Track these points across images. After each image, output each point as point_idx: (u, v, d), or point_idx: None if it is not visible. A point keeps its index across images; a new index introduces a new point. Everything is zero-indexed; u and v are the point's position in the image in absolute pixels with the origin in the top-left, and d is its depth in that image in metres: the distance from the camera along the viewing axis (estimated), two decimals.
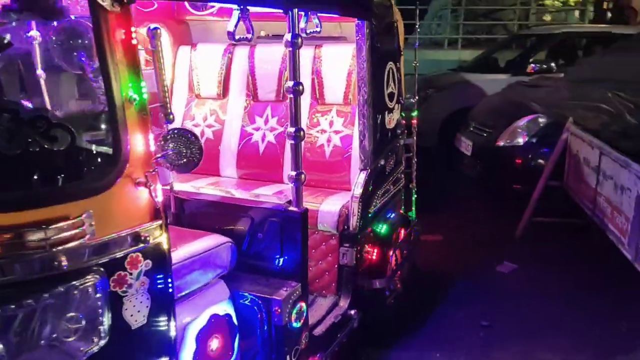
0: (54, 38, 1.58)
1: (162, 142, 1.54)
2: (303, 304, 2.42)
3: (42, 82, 1.70)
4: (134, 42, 1.47)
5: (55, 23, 1.58)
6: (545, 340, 3.33)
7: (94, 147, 1.50)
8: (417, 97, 3.81)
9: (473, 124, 5.96)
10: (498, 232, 5.01)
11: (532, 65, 7.32)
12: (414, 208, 3.80)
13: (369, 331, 3.08)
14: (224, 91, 3.47)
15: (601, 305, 3.69)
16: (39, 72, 1.71)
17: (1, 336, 1.34)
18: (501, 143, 5.42)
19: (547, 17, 13.88)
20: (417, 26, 3.91)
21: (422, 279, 3.92)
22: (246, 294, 2.35)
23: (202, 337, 2.11)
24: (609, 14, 13.09)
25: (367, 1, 2.77)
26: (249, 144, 3.39)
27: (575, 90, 5.41)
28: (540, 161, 5.13)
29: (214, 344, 2.17)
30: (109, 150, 1.48)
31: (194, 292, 2.13)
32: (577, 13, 13.61)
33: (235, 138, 3.42)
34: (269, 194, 2.89)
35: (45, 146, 1.38)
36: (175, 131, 1.54)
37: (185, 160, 1.54)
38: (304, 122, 3.27)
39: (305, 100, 3.30)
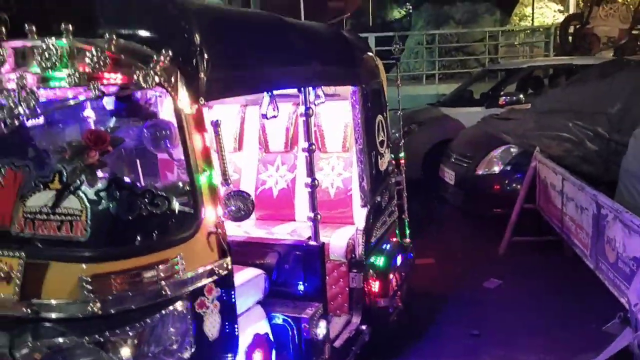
0: (146, 131, 2.16)
1: (226, 201, 2.10)
2: (325, 321, 2.97)
3: (142, 163, 2.29)
4: (205, 132, 2.06)
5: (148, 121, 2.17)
6: (525, 343, 3.89)
7: (181, 209, 2.05)
8: (402, 131, 4.41)
9: (454, 155, 6.61)
10: (483, 252, 5.61)
11: (504, 97, 8.04)
12: (407, 235, 4.38)
13: (377, 344, 3.62)
14: (239, 145, 4.05)
15: (574, 310, 4.28)
16: (141, 156, 2.30)
17: (127, 349, 1.88)
18: (480, 172, 6.08)
19: (516, 41, 14.80)
20: (398, 65, 4.52)
21: (418, 298, 4.47)
22: (279, 315, 2.89)
23: (249, 352, 2.64)
24: (572, 41, 14.01)
25: (358, 72, 3.40)
26: (264, 189, 3.96)
27: (540, 121, 6.09)
28: (515, 186, 5.77)
29: (257, 357, 2.70)
30: (191, 211, 2.05)
31: (240, 315, 2.67)
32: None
33: (252, 185, 3.99)
34: (286, 232, 3.46)
35: (152, 211, 1.95)
36: (233, 192, 2.11)
37: (243, 213, 2.11)
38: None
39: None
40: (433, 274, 5.15)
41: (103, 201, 1.94)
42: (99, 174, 1.95)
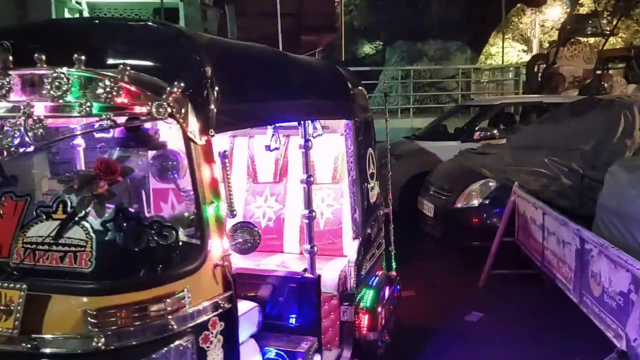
0: (153, 162, 2.14)
1: (233, 233, 2.09)
2: (319, 355, 2.94)
3: (149, 194, 2.25)
4: (214, 164, 2.05)
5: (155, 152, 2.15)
6: None
7: (188, 241, 2.02)
8: (389, 164, 4.47)
9: (433, 188, 6.70)
10: (463, 284, 5.66)
11: (478, 132, 8.24)
12: (394, 267, 4.39)
13: None
14: None
15: (556, 343, 4.33)
16: (148, 187, 2.27)
17: None
18: (459, 205, 6.17)
19: (486, 79, 15.24)
20: (386, 100, 4.61)
21: (403, 330, 4.47)
22: (272, 349, 2.85)
23: None
24: (539, 80, 14.52)
25: (352, 106, 3.46)
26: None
27: (517, 156, 6.26)
28: (494, 220, 5.88)
29: None
30: (198, 242, 2.02)
31: None
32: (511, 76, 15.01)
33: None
34: (274, 264, 3.43)
35: (160, 242, 1.92)
36: (240, 224, 2.10)
37: (249, 245, 2.10)
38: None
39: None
40: (415, 306, 5.15)
41: (109, 232, 1.90)
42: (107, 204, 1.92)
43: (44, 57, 1.89)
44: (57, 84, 1.85)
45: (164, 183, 2.24)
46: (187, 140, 2.00)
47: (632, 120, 5.88)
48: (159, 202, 2.34)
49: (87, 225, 1.90)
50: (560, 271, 4.23)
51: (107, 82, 1.84)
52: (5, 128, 1.93)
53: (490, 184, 6.05)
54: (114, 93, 1.84)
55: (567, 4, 20.42)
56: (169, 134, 2.17)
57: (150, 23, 2.13)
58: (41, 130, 1.86)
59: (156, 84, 1.93)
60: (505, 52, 24.54)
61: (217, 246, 2.06)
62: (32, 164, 2.24)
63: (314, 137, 3.02)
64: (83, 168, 1.92)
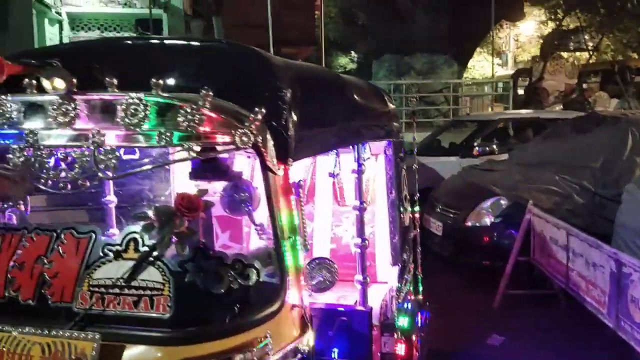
0: (225, 193, 1.97)
1: (311, 271, 1.93)
2: None
3: (224, 229, 2.08)
4: (292, 195, 1.90)
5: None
6: None
7: (269, 281, 1.85)
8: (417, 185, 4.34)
9: (439, 205, 6.62)
10: (476, 305, 5.56)
11: (478, 148, 8.22)
12: (420, 292, 4.26)
13: None
14: None
15: None
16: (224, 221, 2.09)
17: None
18: (469, 223, 6.09)
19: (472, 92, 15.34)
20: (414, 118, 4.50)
21: (428, 355, 4.33)
22: None
23: None
24: (523, 94, 14.70)
25: (392, 126, 3.34)
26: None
27: (526, 173, 6.23)
28: (506, 239, 5.81)
29: None
30: (277, 282, 1.86)
31: None
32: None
33: None
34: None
35: (242, 284, 1.75)
36: (317, 261, 1.94)
37: (328, 283, 1.94)
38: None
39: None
40: (431, 329, 5.02)
41: (189, 273, 1.72)
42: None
43: (115, 81, 1.72)
44: (132, 110, 1.68)
45: (237, 216, 2.07)
46: (265, 170, 1.84)
47: None
48: (232, 237, 2.17)
49: (163, 266, 1.72)
50: (590, 294, 4.16)
51: (189, 109, 1.68)
52: (70, 158, 1.74)
53: (502, 201, 5.99)
54: (196, 121, 1.67)
55: (541, 19, 20.85)
56: (241, 163, 2.00)
57: (222, 43, 1.97)
58: (113, 161, 1.68)
59: (236, 110, 1.77)
60: (481, 65, 24.93)
61: (296, 285, 1.90)
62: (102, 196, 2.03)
63: (364, 160, 2.88)
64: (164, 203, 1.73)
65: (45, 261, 1.82)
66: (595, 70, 15.04)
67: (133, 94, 1.69)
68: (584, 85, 13.76)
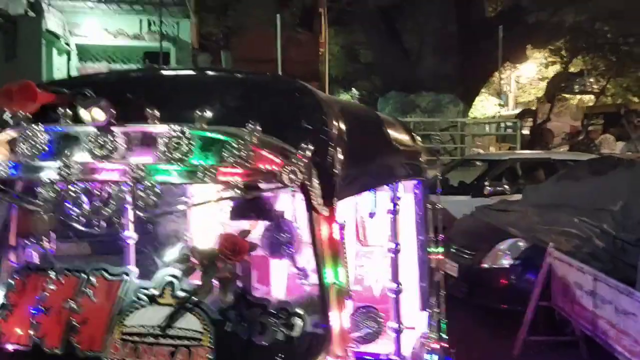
0: (266, 235, 1.85)
1: (358, 321, 1.79)
2: None
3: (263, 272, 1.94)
4: (336, 236, 1.77)
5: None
6: None
7: (312, 331, 1.70)
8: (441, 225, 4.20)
9: (454, 246, 6.46)
10: (496, 351, 5.35)
11: (488, 188, 8.12)
12: (445, 337, 4.07)
13: None
14: None
15: None
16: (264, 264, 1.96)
17: None
18: (486, 265, 5.93)
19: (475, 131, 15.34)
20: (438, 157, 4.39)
21: None
22: None
23: None
24: (529, 135, 14.70)
25: (421, 163, 3.23)
26: None
27: (544, 215, 6.11)
28: (524, 282, 5.64)
29: None
30: (321, 332, 1.71)
31: None
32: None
33: None
34: None
35: (288, 334, 1.61)
36: (363, 309, 1.80)
37: (374, 334, 1.80)
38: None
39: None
40: None
41: (230, 322, 1.58)
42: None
43: (157, 113, 1.61)
44: (174, 144, 1.56)
45: (276, 258, 1.93)
46: (311, 210, 1.72)
47: None
48: (259, 279, 2.02)
49: (203, 313, 1.58)
50: (621, 343, 3.99)
51: (235, 144, 1.56)
52: (105, 194, 1.62)
53: (520, 243, 5.84)
54: (243, 157, 1.56)
55: (542, 62, 21.09)
56: (277, 202, 1.88)
57: (267, 75, 1.87)
58: (153, 197, 1.56)
59: (282, 146, 1.66)
60: (482, 105, 25.13)
61: (342, 336, 1.75)
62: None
63: (398, 199, 2.76)
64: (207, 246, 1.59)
65: (74, 305, 1.67)
66: (600, 112, 15.09)
67: (176, 127, 1.58)
68: (591, 128, 13.77)
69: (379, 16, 14.38)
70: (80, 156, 1.65)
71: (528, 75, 27.55)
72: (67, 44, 14.05)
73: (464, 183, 9.15)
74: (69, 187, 1.63)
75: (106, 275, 1.69)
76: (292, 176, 1.60)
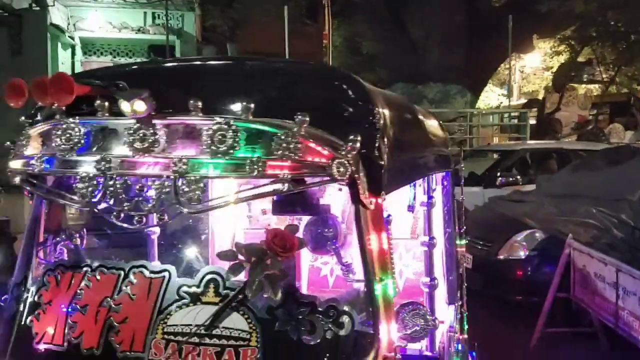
0: (307, 229, 1.78)
1: (405, 318, 1.73)
2: None
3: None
4: (384, 232, 1.71)
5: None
6: None
7: (360, 329, 1.65)
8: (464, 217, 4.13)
9: (468, 237, 6.39)
10: (513, 342, 5.30)
11: (500, 178, 8.06)
12: (465, 331, 4.02)
13: None
14: None
15: None
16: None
17: None
18: (502, 256, 5.87)
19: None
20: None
21: None
22: None
23: None
24: (536, 125, 14.58)
25: (449, 154, 3.17)
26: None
27: (561, 206, 6.03)
28: (542, 273, 5.59)
29: None
30: (369, 330, 1.65)
31: None
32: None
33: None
34: None
35: (337, 333, 1.55)
36: (410, 306, 1.74)
37: (423, 333, 1.74)
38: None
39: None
40: None
41: (279, 321, 1.52)
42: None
43: (200, 104, 1.54)
44: (219, 137, 1.50)
45: (320, 254, 1.87)
46: (358, 204, 1.65)
47: None
48: (315, 278, 1.97)
49: (249, 312, 1.52)
50: None
51: (283, 136, 1.50)
52: (147, 189, 1.56)
53: (537, 234, 5.78)
54: (292, 149, 1.50)
55: (547, 52, 20.92)
56: (322, 197, 1.81)
57: (311, 64, 1.80)
58: (198, 192, 1.50)
59: (329, 138, 1.60)
60: (486, 95, 24.98)
61: (389, 334, 1.69)
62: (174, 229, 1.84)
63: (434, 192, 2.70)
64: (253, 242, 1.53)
65: (112, 304, 1.61)
66: (608, 102, 14.98)
67: (221, 119, 1.51)
68: (601, 117, 13.67)
69: (385, 7, 14.25)
70: (120, 150, 1.58)
71: (532, 65, 27.41)
72: (72, 38, 13.95)
73: (474, 174, 9.07)
74: (108, 182, 1.56)
75: (146, 272, 1.63)
76: (341, 169, 1.54)
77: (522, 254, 5.75)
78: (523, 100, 21.02)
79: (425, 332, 1.72)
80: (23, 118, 1.75)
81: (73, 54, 14.25)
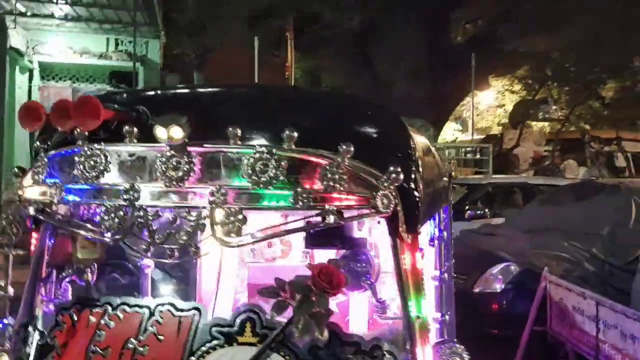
0: (346, 263, 1.71)
1: (441, 357, 1.67)
2: None
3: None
4: (419, 264, 1.66)
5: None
6: None
7: None
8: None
9: None
10: None
11: (469, 212, 8.17)
12: None
13: None
14: None
15: None
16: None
17: None
18: (477, 289, 5.89)
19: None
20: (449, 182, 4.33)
21: None
22: None
23: None
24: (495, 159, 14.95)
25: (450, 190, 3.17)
26: None
27: (533, 239, 6.14)
28: (516, 306, 5.63)
29: None
30: None
31: None
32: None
33: None
34: None
35: None
36: (448, 344, 1.69)
37: None
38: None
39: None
40: None
41: None
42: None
43: (238, 132, 1.47)
44: (261, 166, 1.43)
45: (354, 290, 1.80)
46: (395, 237, 1.60)
47: None
48: (353, 316, 1.88)
49: (291, 353, 1.43)
50: None
51: (329, 166, 1.44)
52: (180, 221, 1.46)
53: (512, 267, 5.84)
54: (337, 179, 1.44)
55: (499, 90, 21.69)
56: (352, 229, 1.75)
57: (348, 95, 1.76)
58: (238, 224, 1.41)
59: (369, 169, 1.55)
60: (443, 130, 25.61)
61: None
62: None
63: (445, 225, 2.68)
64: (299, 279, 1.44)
65: (137, 345, 1.49)
66: (562, 139, 15.55)
67: (262, 147, 1.44)
68: (557, 154, 14.16)
69: (352, 41, 14.49)
70: (149, 178, 1.48)
71: (486, 102, 28.38)
72: (30, 62, 13.53)
73: None
74: (136, 213, 1.46)
75: (173, 311, 1.52)
76: (385, 201, 1.49)
77: (498, 287, 5.79)
78: (478, 136, 21.65)
79: None
80: (38, 143, 1.63)
81: (31, 78, 13.80)
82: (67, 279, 1.78)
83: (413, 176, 1.64)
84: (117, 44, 14.22)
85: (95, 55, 14.05)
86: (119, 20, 13.00)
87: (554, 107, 15.76)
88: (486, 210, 8.17)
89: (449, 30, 14.06)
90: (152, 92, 1.79)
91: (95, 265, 1.77)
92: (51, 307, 1.68)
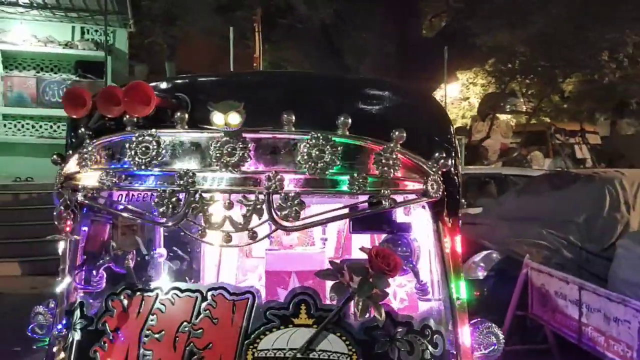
0: (389, 246, 1.75)
1: (478, 336, 1.73)
2: None
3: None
4: (459, 248, 1.72)
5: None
6: None
7: (449, 347, 1.62)
8: None
9: None
10: None
11: None
12: None
13: None
14: None
15: None
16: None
17: None
18: None
19: None
20: None
21: None
22: None
23: None
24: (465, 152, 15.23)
25: None
26: None
27: (513, 228, 6.32)
28: (498, 293, 5.79)
29: None
30: (453, 350, 1.63)
31: None
32: None
33: None
34: None
35: (432, 352, 1.52)
36: (482, 325, 1.75)
37: (494, 354, 1.74)
38: None
39: None
40: None
41: (378, 342, 1.48)
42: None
43: (293, 118, 1.49)
44: (316, 152, 1.45)
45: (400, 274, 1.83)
46: (438, 222, 1.66)
47: (617, 195, 6.18)
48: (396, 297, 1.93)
49: (347, 334, 1.47)
50: (612, 349, 4.16)
51: (384, 152, 1.48)
52: (237, 206, 1.48)
53: (494, 255, 6.00)
54: (391, 166, 1.48)
55: (464, 83, 22.06)
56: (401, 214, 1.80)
57: (394, 82, 1.80)
58: (296, 209, 1.44)
59: (417, 156, 1.60)
60: None
61: (469, 352, 1.69)
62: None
63: None
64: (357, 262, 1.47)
65: (192, 329, 1.50)
66: (528, 131, 15.94)
67: (318, 133, 1.47)
68: (525, 146, 14.51)
69: (320, 33, 14.46)
70: (204, 164, 1.49)
71: (451, 95, 28.83)
72: None
73: None
74: (191, 197, 1.47)
75: (227, 295, 1.53)
76: (435, 187, 1.54)
77: (480, 274, 5.94)
78: None
79: (499, 351, 1.73)
80: (82, 130, 1.61)
81: None
82: (104, 266, 1.77)
83: (456, 164, 1.70)
84: (82, 33, 13.87)
85: (61, 44, 13.67)
86: (86, 9, 12.68)
87: (521, 100, 16.17)
88: (463, 200, 8.33)
89: (416, 24, 14.18)
90: (204, 79, 1.78)
91: (134, 252, 1.77)
92: (94, 293, 1.67)
